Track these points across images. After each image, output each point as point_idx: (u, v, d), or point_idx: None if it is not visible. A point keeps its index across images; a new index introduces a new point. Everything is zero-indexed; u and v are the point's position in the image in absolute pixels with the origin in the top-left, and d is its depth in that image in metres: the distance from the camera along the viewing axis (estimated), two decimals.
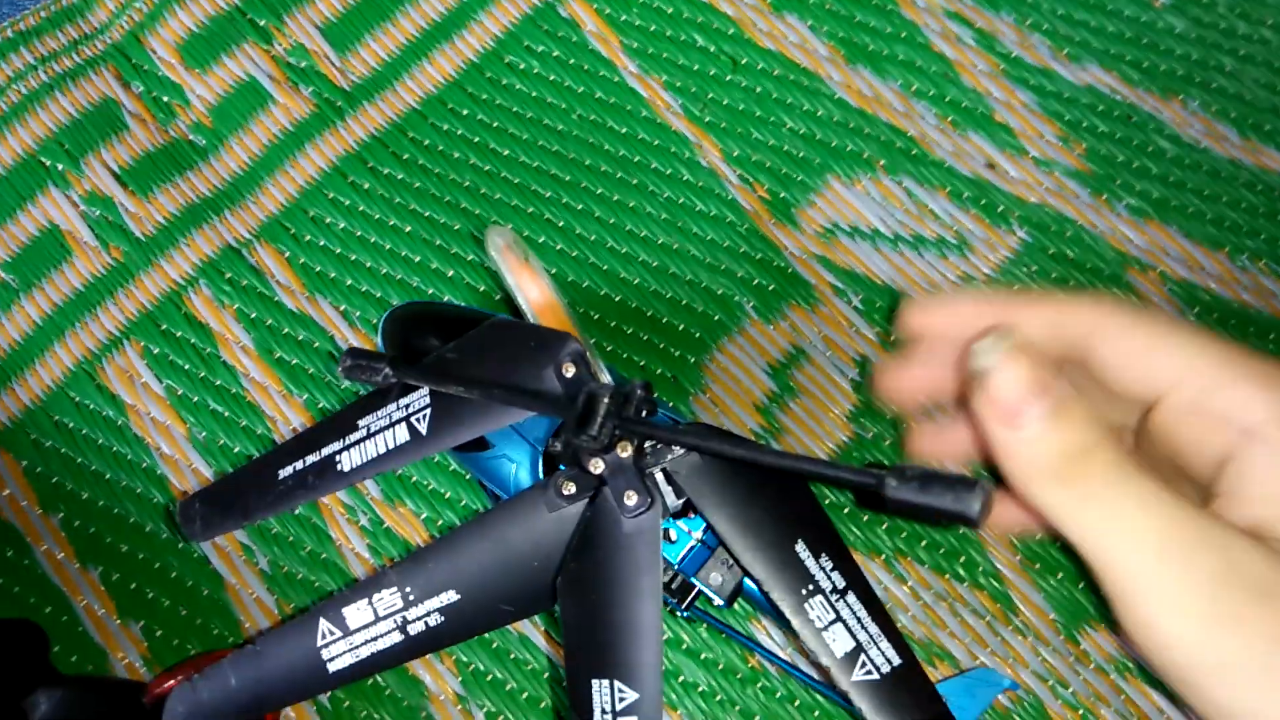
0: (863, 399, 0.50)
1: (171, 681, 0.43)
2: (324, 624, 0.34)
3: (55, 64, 0.57)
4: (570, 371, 0.35)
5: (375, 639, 0.34)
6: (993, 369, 0.25)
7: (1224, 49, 0.55)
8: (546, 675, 0.46)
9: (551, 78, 0.56)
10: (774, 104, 0.55)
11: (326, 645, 0.34)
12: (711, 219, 0.53)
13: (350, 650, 0.34)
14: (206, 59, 0.57)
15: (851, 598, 0.33)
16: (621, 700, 0.32)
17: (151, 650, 0.48)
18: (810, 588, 0.33)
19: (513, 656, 0.47)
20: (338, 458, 0.36)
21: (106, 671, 0.47)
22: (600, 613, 0.33)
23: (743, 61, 0.56)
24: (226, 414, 0.51)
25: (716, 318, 0.52)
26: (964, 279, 0.52)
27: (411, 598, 0.34)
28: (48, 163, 0.55)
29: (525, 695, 0.46)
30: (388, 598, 0.34)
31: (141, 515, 0.49)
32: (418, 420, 0.36)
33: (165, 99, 0.56)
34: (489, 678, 0.47)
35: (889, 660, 0.32)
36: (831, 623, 0.33)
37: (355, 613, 0.34)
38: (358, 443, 0.36)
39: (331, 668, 0.34)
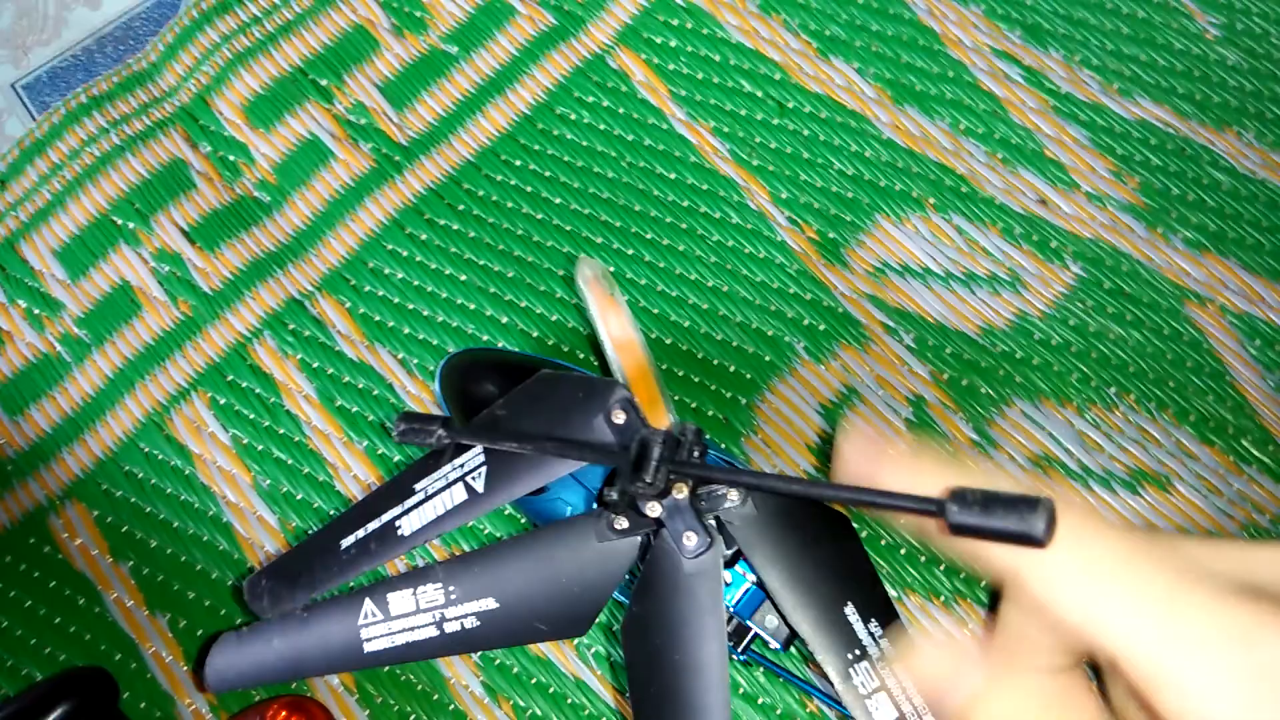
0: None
1: None
2: (368, 604, 0.35)
3: (126, 126, 0.59)
4: (620, 419, 0.35)
5: (412, 629, 0.35)
6: None
7: (1278, 78, 0.55)
8: None
9: (601, 127, 0.57)
10: (821, 146, 0.56)
11: (366, 625, 0.35)
12: (761, 261, 0.54)
13: (388, 635, 0.35)
14: (270, 119, 0.59)
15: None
16: None
17: (218, 697, 0.49)
18: (857, 652, 0.32)
19: (569, 701, 0.47)
20: (397, 523, 0.37)
21: (174, 718, 0.48)
22: (664, 655, 0.33)
23: (789, 105, 0.57)
24: (290, 461, 0.52)
25: (767, 359, 0.52)
26: (1018, 315, 0.51)
27: (453, 596, 0.35)
28: (119, 221, 0.57)
29: None
30: (431, 592, 0.35)
31: (209, 563, 0.51)
32: (474, 479, 0.36)
33: (231, 158, 0.58)
34: None
35: None
36: (875, 690, 0.32)
37: (399, 599, 0.35)
38: (416, 506, 0.37)
39: (367, 648, 0.35)
